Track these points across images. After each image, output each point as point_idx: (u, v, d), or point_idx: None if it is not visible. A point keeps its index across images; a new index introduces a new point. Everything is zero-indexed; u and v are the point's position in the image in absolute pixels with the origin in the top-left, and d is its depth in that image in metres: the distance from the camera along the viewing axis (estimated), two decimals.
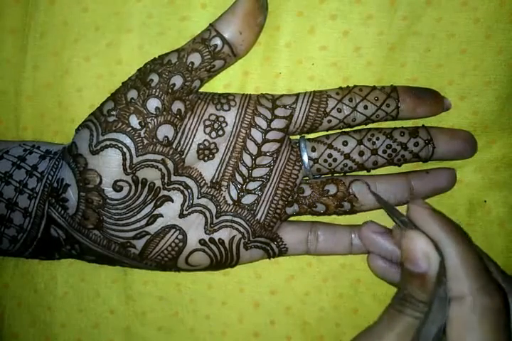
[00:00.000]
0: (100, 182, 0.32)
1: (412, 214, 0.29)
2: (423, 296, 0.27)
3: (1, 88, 0.37)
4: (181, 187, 0.34)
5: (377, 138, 0.34)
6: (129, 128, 0.32)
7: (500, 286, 0.27)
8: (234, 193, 0.35)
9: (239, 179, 0.35)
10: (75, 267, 0.39)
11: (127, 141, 0.32)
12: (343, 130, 0.35)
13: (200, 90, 0.34)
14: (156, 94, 0.32)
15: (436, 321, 0.26)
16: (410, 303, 0.27)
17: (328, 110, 0.34)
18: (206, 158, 0.34)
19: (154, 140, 0.32)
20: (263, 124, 0.34)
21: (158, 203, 0.34)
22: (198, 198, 0.34)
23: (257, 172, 0.35)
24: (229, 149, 0.34)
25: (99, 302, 0.39)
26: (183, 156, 0.34)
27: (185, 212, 0.34)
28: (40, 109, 0.37)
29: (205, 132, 0.34)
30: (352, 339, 0.28)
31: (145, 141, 0.32)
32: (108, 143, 0.32)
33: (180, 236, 0.34)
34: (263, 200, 0.35)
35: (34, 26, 0.36)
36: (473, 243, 0.29)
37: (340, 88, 0.35)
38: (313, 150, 0.35)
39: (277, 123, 0.34)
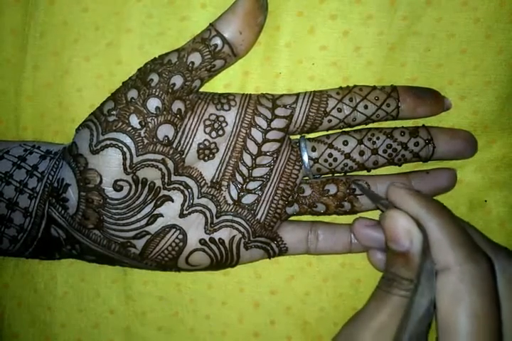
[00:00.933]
0: (100, 181, 0.32)
1: (390, 196, 0.30)
2: (408, 274, 0.27)
3: (1, 88, 0.37)
4: (181, 187, 0.34)
5: (378, 138, 0.34)
6: (129, 128, 0.32)
7: (485, 254, 0.27)
8: (234, 193, 0.35)
9: (239, 179, 0.35)
10: (75, 267, 0.39)
11: (127, 140, 0.32)
12: (344, 130, 0.35)
13: (201, 90, 0.34)
14: (157, 93, 0.32)
15: (425, 294, 0.26)
16: (396, 282, 0.27)
17: (328, 110, 0.34)
18: (206, 158, 0.34)
19: (154, 139, 0.32)
20: (263, 124, 0.34)
21: (159, 203, 0.34)
22: (198, 198, 0.34)
23: (257, 172, 0.35)
24: (229, 149, 0.34)
25: (99, 302, 0.39)
26: (184, 156, 0.34)
27: (185, 212, 0.34)
28: (40, 109, 0.37)
29: (205, 132, 0.34)
30: (343, 325, 0.28)
31: (145, 141, 0.32)
32: (108, 142, 0.32)
33: (180, 236, 0.34)
34: (263, 200, 0.35)
35: (34, 26, 0.36)
36: (455, 215, 0.29)
37: (341, 88, 0.35)
38: (314, 149, 0.35)
39: (277, 123, 0.34)
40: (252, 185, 0.35)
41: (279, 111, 0.34)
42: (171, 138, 0.33)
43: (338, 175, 0.36)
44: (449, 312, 0.26)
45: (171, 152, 0.33)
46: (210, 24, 0.32)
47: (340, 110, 0.34)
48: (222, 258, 0.35)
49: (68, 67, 0.37)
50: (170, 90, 0.32)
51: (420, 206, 0.28)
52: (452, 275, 0.26)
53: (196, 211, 0.34)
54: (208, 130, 0.34)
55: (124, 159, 0.32)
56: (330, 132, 0.36)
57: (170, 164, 0.33)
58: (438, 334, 0.26)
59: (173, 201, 0.34)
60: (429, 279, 0.26)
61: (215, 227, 0.34)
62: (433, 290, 0.26)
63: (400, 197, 0.29)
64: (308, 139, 0.36)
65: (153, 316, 0.39)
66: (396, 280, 0.27)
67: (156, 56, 0.33)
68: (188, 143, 0.34)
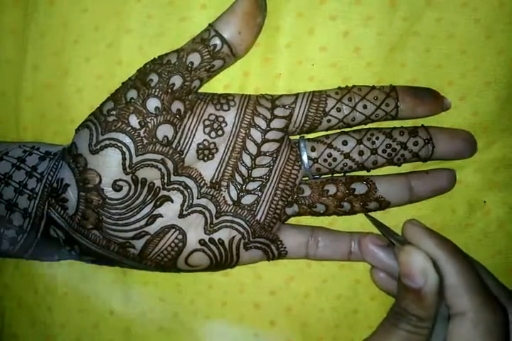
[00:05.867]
0: (100, 181, 0.32)
1: (407, 233, 0.30)
2: (417, 311, 0.27)
3: (1, 88, 0.37)
4: (181, 187, 0.34)
5: (377, 138, 0.34)
6: (129, 128, 0.32)
7: (500, 302, 0.27)
8: (234, 193, 0.35)
9: (238, 179, 0.35)
10: (75, 267, 0.39)
11: (127, 140, 0.32)
12: (343, 130, 0.35)
13: (200, 91, 0.34)
14: (156, 93, 0.32)
15: (438, 338, 0.26)
16: (404, 317, 0.27)
17: (327, 109, 0.34)
18: (206, 158, 0.34)
19: (154, 139, 0.32)
20: (262, 124, 0.34)
21: (158, 203, 0.34)
22: (197, 198, 0.34)
23: (257, 173, 0.35)
24: (228, 149, 0.34)
25: (98, 302, 0.39)
26: (183, 156, 0.34)
27: (184, 212, 0.34)
28: (40, 109, 0.37)
29: (204, 132, 0.34)
30: None
31: (145, 141, 0.32)
32: (108, 142, 0.32)
33: (179, 237, 0.34)
34: (263, 200, 0.35)
35: (34, 27, 0.36)
36: (471, 259, 0.29)
37: (340, 88, 0.35)
38: (313, 149, 0.35)
39: (277, 123, 0.34)
40: (251, 186, 0.35)
41: (278, 112, 0.34)
42: (170, 138, 0.33)
43: (337, 175, 0.36)
44: None
45: (170, 152, 0.33)
46: (210, 24, 0.32)
47: (339, 110, 0.34)
48: (222, 259, 0.35)
49: (68, 68, 0.37)
50: (169, 90, 0.32)
51: (438, 247, 0.28)
52: (467, 321, 0.26)
53: (196, 211, 0.34)
54: (207, 130, 0.34)
55: (124, 159, 0.32)
56: (329, 132, 0.36)
57: (169, 164, 0.33)
58: None
59: (172, 201, 0.34)
60: (443, 323, 0.26)
61: (215, 228, 0.34)
62: (444, 333, 0.26)
63: (417, 235, 0.29)
64: (308, 139, 0.35)
65: (153, 317, 0.39)
66: (404, 315, 0.27)
67: (156, 56, 0.33)
68: (187, 143, 0.34)
